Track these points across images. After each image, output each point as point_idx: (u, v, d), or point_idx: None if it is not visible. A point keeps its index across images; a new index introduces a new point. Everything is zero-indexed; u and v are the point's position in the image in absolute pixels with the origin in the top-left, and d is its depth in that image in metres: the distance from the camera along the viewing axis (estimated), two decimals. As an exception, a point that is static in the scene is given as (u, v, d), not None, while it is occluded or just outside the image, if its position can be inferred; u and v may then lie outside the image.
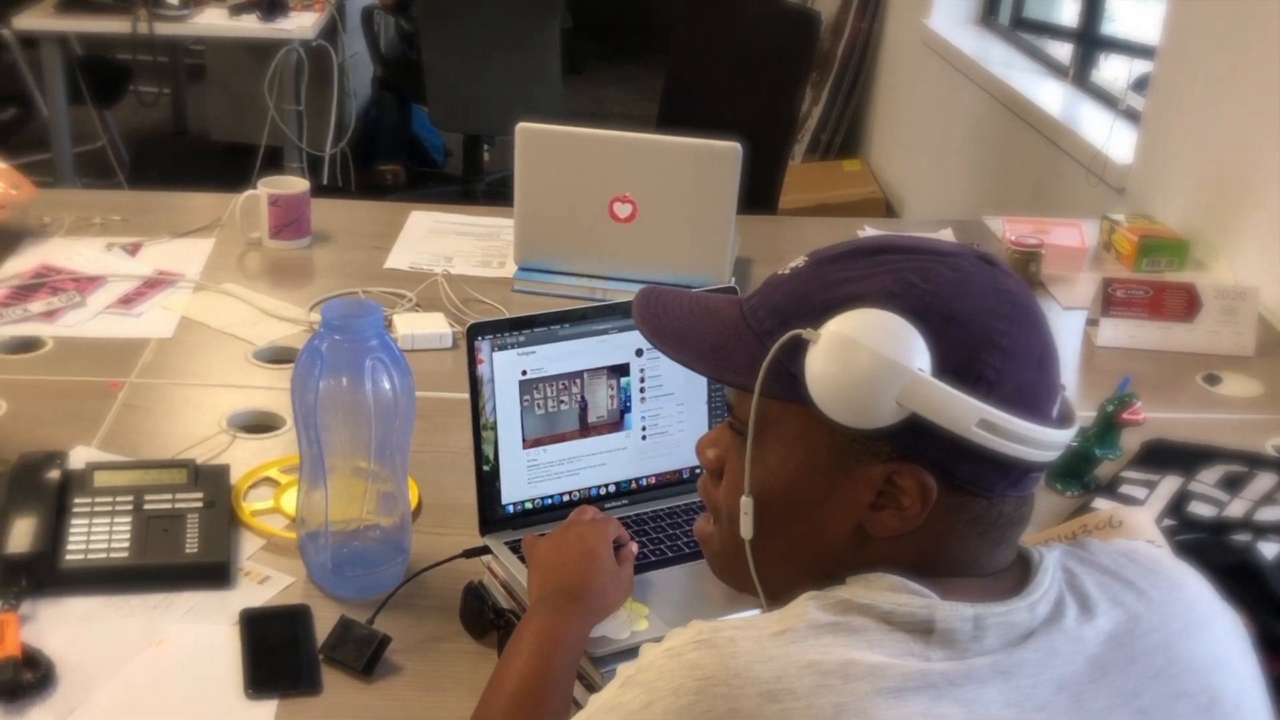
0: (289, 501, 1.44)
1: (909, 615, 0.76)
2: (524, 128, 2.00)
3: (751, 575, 0.87)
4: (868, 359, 0.76)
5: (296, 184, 2.19)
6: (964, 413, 0.76)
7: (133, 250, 2.14)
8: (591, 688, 1.08)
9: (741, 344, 0.84)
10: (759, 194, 2.74)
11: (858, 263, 0.82)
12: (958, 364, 0.77)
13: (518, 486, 1.26)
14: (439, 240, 2.24)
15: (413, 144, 4.98)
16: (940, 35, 4.00)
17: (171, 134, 5.41)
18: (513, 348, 1.23)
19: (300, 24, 3.97)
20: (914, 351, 0.77)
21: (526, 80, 4.09)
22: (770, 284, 0.86)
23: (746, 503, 0.85)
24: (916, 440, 0.78)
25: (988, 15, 4.12)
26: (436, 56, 4.09)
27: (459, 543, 1.29)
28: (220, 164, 4.67)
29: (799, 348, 0.80)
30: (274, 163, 4.16)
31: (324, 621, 1.25)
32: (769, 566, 0.86)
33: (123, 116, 4.84)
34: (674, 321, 0.90)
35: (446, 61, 4.09)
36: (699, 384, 1.32)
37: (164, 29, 3.89)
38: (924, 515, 0.79)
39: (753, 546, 0.86)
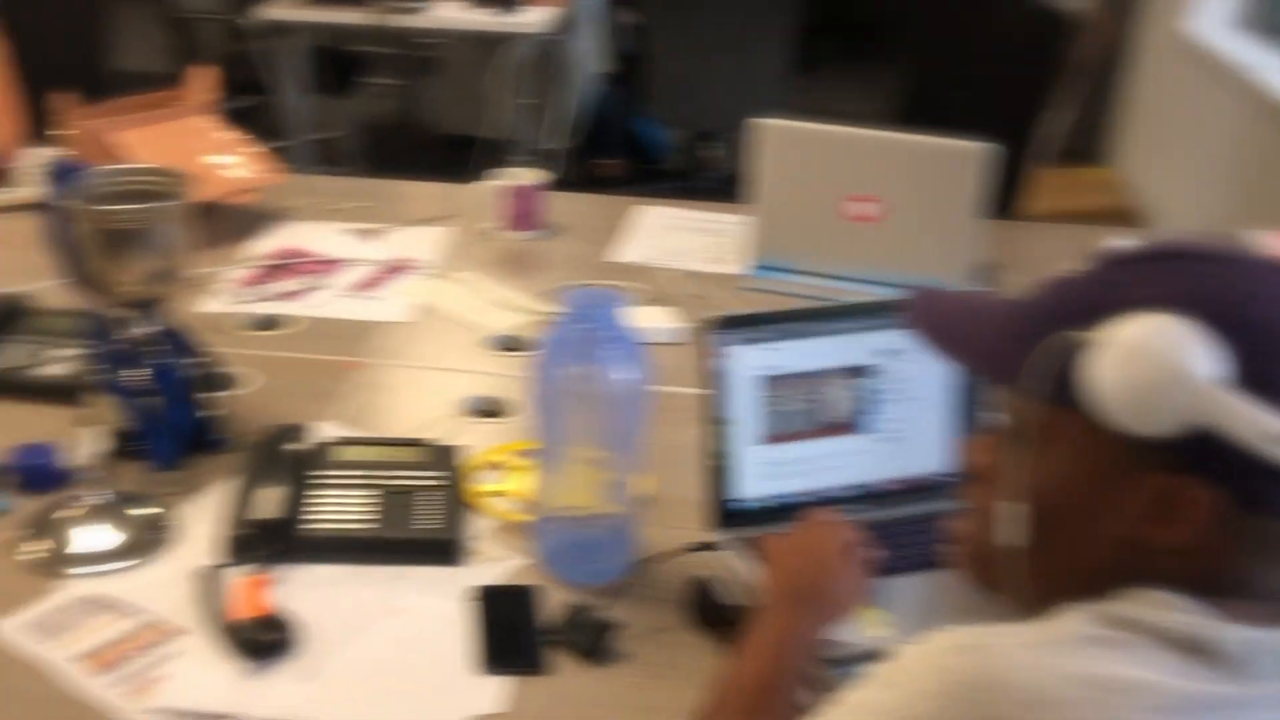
0: (518, 485, 1.50)
1: (1185, 634, 0.75)
2: (768, 123, 2.03)
3: (1012, 582, 0.87)
4: (1160, 367, 0.76)
5: (533, 176, 2.28)
6: (1262, 427, 0.75)
7: (373, 236, 2.27)
8: (821, 690, 1.10)
9: (1018, 346, 0.84)
10: (1002, 199, 2.70)
11: (1152, 266, 0.82)
12: (1258, 376, 0.76)
13: (751, 483, 1.29)
14: (667, 235, 2.30)
15: (634, 139, 5.09)
16: (1201, 38, 3.85)
17: (399, 125, 5.67)
18: (752, 344, 1.27)
19: (536, 18, 4.10)
20: (1211, 361, 0.76)
21: (754, 76, 4.13)
22: (1053, 285, 0.86)
23: (1017, 509, 0.85)
24: (1204, 452, 0.76)
25: (1254, 18, 3.95)
26: (664, 51, 4.17)
27: (685, 536, 1.33)
28: (445, 155, 4.87)
29: (1082, 351, 0.79)
30: (499, 155, 4.31)
31: (550, 604, 1.31)
32: (1031, 574, 0.86)
33: (357, 107, 5.09)
34: (947, 322, 0.91)
35: (674, 56, 4.17)
36: (942, 388, 1.33)
37: (403, 21, 4.08)
38: (1205, 531, 0.78)
39: (1018, 553, 0.86)
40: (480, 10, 4.10)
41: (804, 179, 2.03)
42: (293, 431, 1.53)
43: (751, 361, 1.27)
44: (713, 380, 1.27)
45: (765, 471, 1.30)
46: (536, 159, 4.41)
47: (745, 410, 1.28)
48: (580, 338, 1.25)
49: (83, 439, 1.49)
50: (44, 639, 1.26)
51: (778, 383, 1.28)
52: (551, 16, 4.12)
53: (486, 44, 4.40)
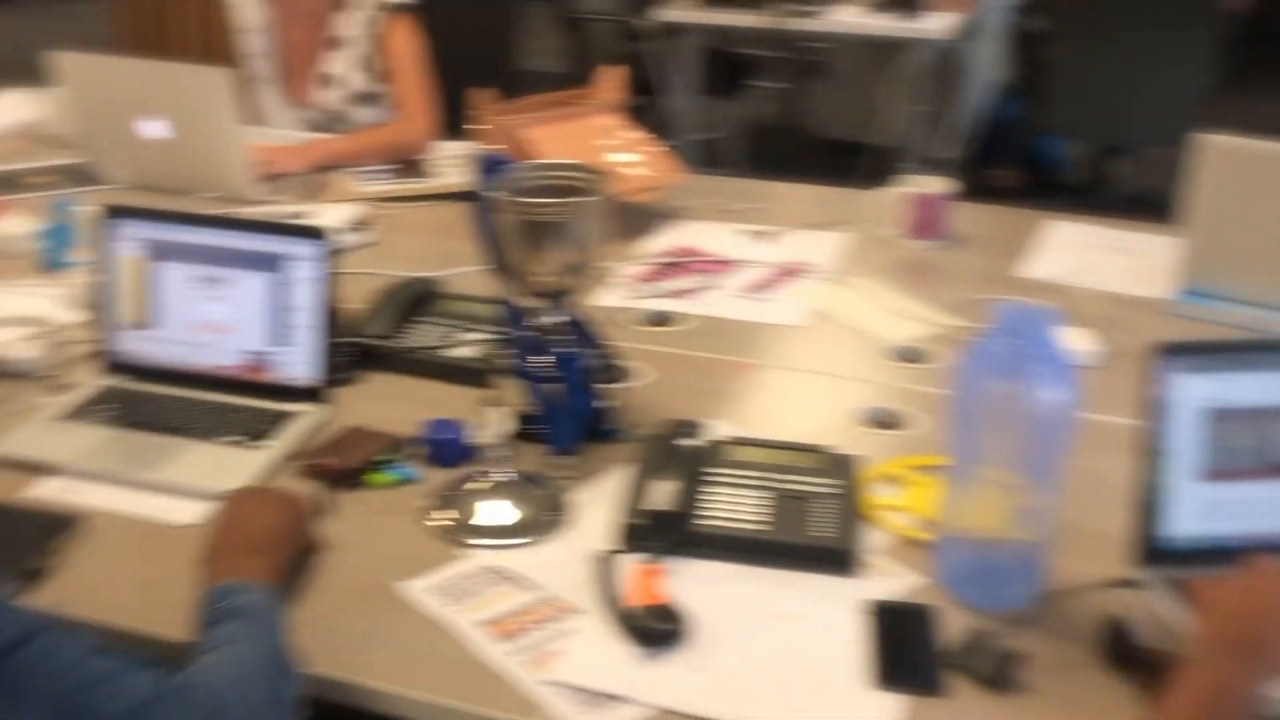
0: (919, 500, 1.49)
1: None
2: (1210, 140, 1.92)
3: None
4: None
5: (937, 185, 2.26)
6: None
7: (767, 238, 2.31)
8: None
9: None
10: None
11: None
12: None
13: (1187, 522, 1.23)
14: (1080, 253, 2.22)
15: (1031, 150, 4.94)
16: None
17: (782, 128, 5.74)
18: (1201, 373, 1.20)
19: (937, 24, 4.06)
20: None
21: (1172, 90, 3.92)
22: None
23: None
24: None
25: None
26: (1072, 61, 4.03)
27: (1101, 570, 1.28)
28: (828, 160, 4.90)
29: None
30: (888, 162, 4.29)
31: (949, 627, 1.29)
32: None
33: (741, 109, 5.20)
34: None
35: (1083, 66, 4.01)
36: None
37: (799, 24, 4.14)
38: None
39: None
40: (880, 15, 4.10)
41: (1250, 201, 1.91)
42: (689, 427, 1.58)
43: (1198, 392, 1.21)
44: (1152, 409, 1.21)
45: (1202, 510, 1.23)
46: (928, 167, 4.37)
47: (1185, 443, 1.22)
48: (1008, 354, 1.22)
49: (488, 419, 1.59)
50: (451, 602, 1.36)
51: (1226, 416, 1.22)
52: (953, 22, 4.07)
53: (879, 49, 4.40)
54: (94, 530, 1.49)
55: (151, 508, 1.53)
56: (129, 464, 1.58)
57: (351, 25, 2.85)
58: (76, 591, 1.39)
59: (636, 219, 2.37)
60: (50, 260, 2.16)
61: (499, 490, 1.52)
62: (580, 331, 1.66)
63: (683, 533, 1.42)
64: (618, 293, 2.08)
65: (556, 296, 1.66)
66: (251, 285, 1.72)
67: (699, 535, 1.43)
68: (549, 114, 2.45)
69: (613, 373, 1.71)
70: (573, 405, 1.63)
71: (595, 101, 2.53)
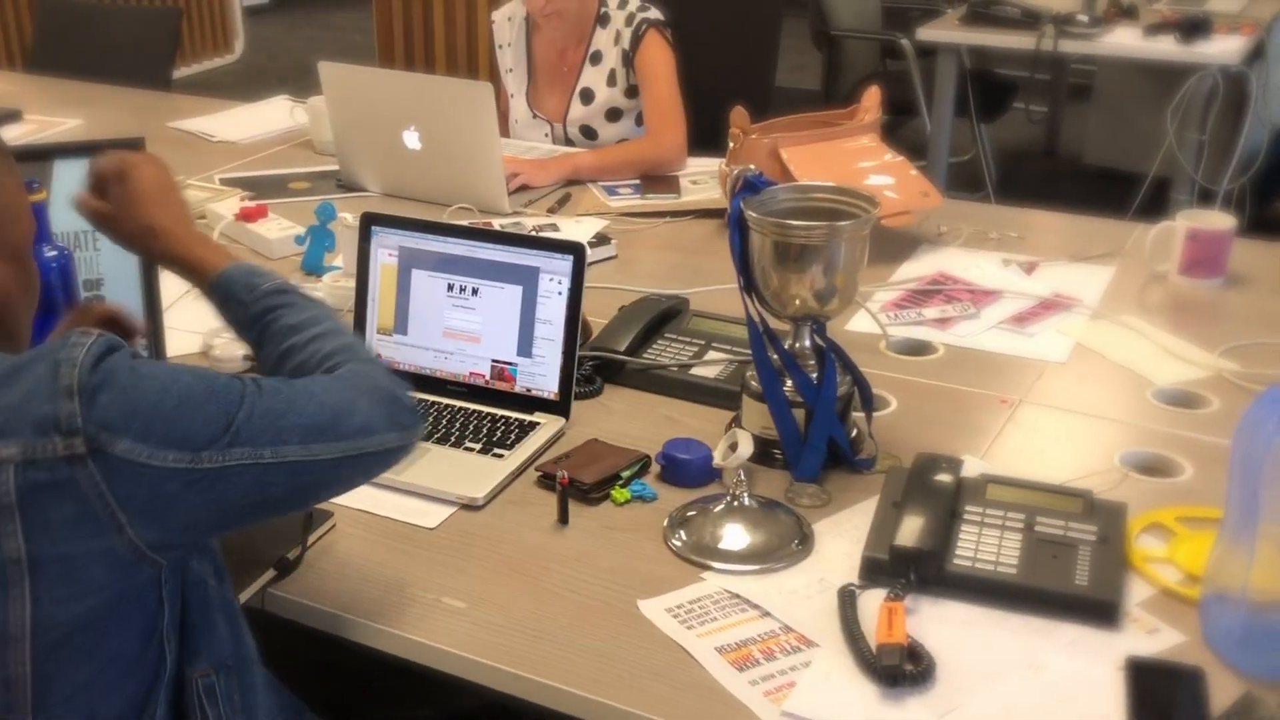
0: (1188, 554, 1.44)
1: None
2: None
3: None
4: None
5: (1218, 220, 2.17)
6: None
7: (1029, 269, 2.26)
8: None
9: None
10: None
11: None
12: None
13: None
14: (1378, 298, 2.10)
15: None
16: None
17: (1041, 153, 5.61)
18: None
19: (1223, 48, 3.90)
20: None
21: None
22: None
23: None
24: None
25: None
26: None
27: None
28: (1090, 189, 4.76)
29: None
30: (1157, 193, 4.15)
31: (1215, 692, 1.24)
32: None
33: (996, 132, 5.10)
34: None
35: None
36: None
37: (1069, 47, 4.04)
38: None
39: None
40: (1159, 39, 3.96)
41: None
42: (946, 463, 1.56)
43: None
44: None
45: None
46: (1199, 199, 4.20)
47: None
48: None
49: (732, 441, 1.61)
50: (688, 624, 1.37)
51: None
52: (1237, 46, 3.90)
53: (1155, 73, 4.25)
54: (341, 528, 1.57)
55: (397, 508, 1.60)
56: (377, 465, 1.66)
57: (604, 40, 2.92)
58: (326, 584, 1.46)
59: (892, 243, 2.35)
60: (310, 263, 2.28)
61: (742, 514, 1.53)
62: (831, 357, 1.67)
63: (933, 571, 1.41)
64: (872, 318, 2.07)
65: (809, 320, 1.67)
66: (503, 296, 1.78)
67: (950, 575, 1.41)
68: (807, 133, 2.46)
69: (863, 400, 1.70)
70: (819, 432, 1.63)
71: (855, 122, 2.53)
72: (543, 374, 1.77)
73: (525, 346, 1.78)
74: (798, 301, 1.64)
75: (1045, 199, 2.81)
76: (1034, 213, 2.64)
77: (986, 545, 1.44)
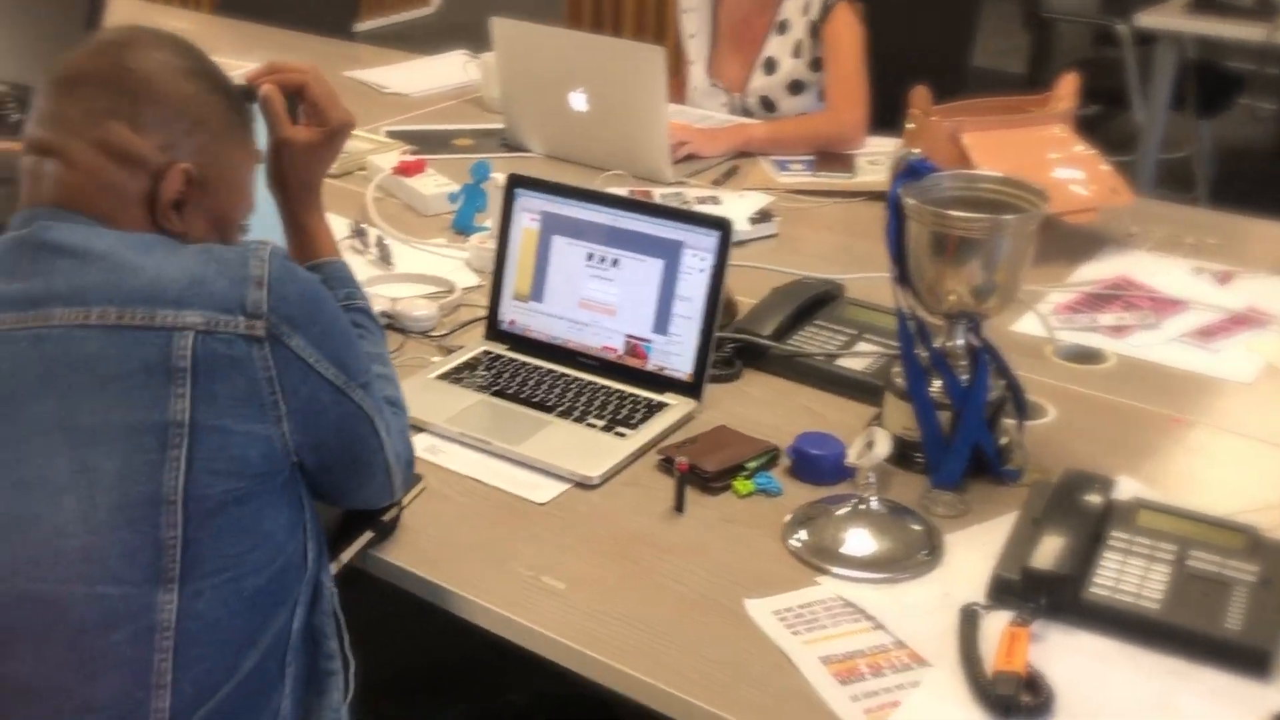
0: (1358, 607, 1.33)
1: None
2: None
3: None
4: None
5: None
6: None
7: (1223, 279, 2.14)
8: None
9: None
10: None
11: None
12: None
13: None
14: None
15: None
16: None
17: (1266, 154, 5.33)
18: None
19: None
20: None
21: None
22: None
23: None
24: None
25: None
26: None
27: None
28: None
29: None
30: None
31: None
32: None
33: (1216, 129, 4.87)
34: None
35: None
36: None
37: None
38: None
39: None
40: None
41: None
42: (1097, 482, 1.48)
43: None
44: None
45: None
46: None
47: None
48: None
49: (869, 439, 1.55)
50: (795, 630, 1.33)
51: None
52: None
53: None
54: (449, 494, 1.57)
55: (510, 480, 1.59)
56: (493, 433, 1.65)
57: (792, 9, 2.86)
58: (421, 550, 1.46)
59: (1073, 242, 2.25)
60: (461, 223, 2.29)
61: (869, 518, 1.48)
62: (984, 358, 1.59)
63: (1068, 598, 1.33)
64: (1040, 320, 1.98)
65: (964, 318, 1.60)
66: (643, 269, 1.75)
67: (1085, 604, 1.33)
68: (992, 119, 2.36)
69: (1016, 408, 1.63)
70: (964, 437, 1.57)
71: (1046, 110, 2.42)
72: (678, 353, 1.74)
73: (662, 323, 1.75)
74: (953, 297, 1.57)
75: (1264, 205, 2.64)
76: (1241, 219, 2.49)
77: (1130, 575, 1.35)
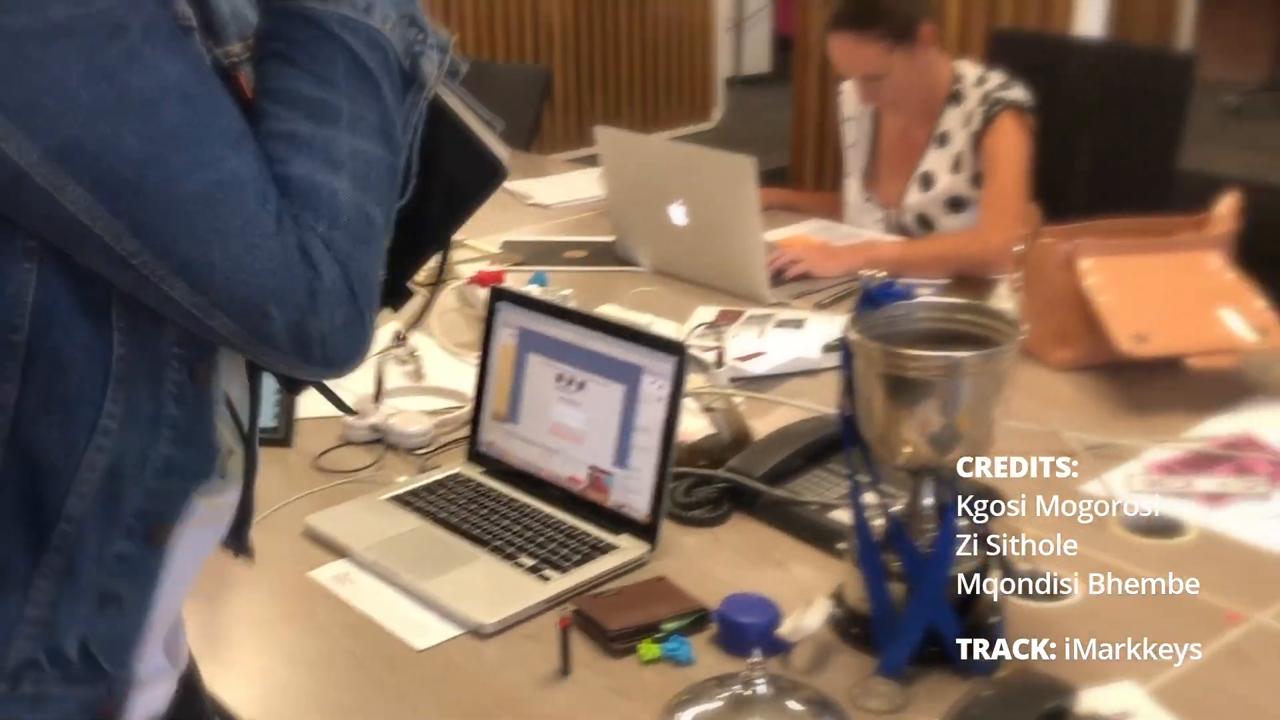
0: None
1: None
2: None
3: None
4: None
5: None
6: None
7: (1367, 444, 1.77)
8: None
9: None
10: None
11: None
12: None
13: None
14: None
15: None
16: None
17: None
18: None
19: None
20: None
21: None
22: None
23: None
24: None
25: None
26: None
27: None
28: None
29: None
30: None
31: None
32: None
33: None
34: None
35: None
36: None
37: None
38: None
39: None
40: None
41: None
42: (1046, 689, 1.20)
43: None
44: None
45: None
46: None
47: None
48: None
49: (808, 605, 1.32)
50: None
51: None
52: None
53: None
54: (330, 629, 1.43)
55: (402, 620, 1.43)
56: (408, 566, 1.50)
57: (954, 120, 2.63)
58: (251, 687, 1.33)
59: (1206, 388, 1.93)
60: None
61: (750, 709, 1.23)
62: (952, 520, 1.34)
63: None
64: (1123, 479, 1.68)
65: (923, 473, 1.36)
66: (606, 394, 1.58)
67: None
68: (1122, 242, 2.07)
69: (1009, 583, 1.36)
70: (914, 616, 1.31)
71: (1198, 233, 2.11)
72: (636, 490, 1.55)
73: (622, 455, 1.57)
74: (909, 449, 1.33)
75: None
76: None
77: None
